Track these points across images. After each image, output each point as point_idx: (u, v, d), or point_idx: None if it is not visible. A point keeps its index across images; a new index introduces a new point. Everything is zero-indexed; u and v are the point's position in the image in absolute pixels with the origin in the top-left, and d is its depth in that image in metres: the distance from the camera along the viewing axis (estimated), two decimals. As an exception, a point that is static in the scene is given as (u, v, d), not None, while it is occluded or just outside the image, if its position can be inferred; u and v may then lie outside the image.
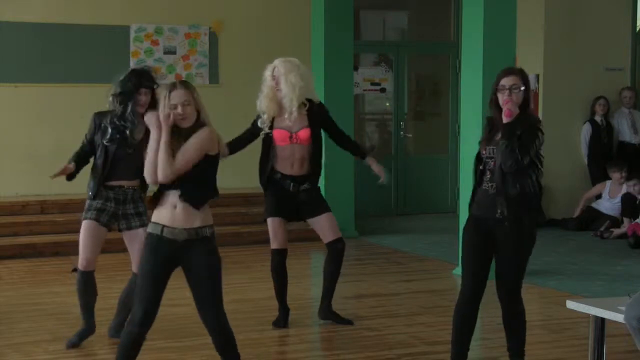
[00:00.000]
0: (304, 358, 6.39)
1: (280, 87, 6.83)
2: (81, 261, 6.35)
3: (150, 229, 5.01)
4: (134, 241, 6.40)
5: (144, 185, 6.36)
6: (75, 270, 6.47)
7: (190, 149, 4.90)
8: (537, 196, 5.43)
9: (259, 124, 6.94)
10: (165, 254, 4.95)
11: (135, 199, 6.41)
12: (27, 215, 10.96)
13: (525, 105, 5.37)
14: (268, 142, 6.93)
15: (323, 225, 6.99)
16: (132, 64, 11.99)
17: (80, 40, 11.88)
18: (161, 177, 4.90)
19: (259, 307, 7.18)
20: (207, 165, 4.97)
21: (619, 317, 4.77)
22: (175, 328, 6.88)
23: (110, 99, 6.33)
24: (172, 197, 4.95)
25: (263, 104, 6.91)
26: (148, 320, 4.98)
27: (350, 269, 9.23)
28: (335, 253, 7.01)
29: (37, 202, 11.05)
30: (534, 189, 5.39)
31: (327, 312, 7.14)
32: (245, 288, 8.22)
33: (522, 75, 5.40)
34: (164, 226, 4.94)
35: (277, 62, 6.91)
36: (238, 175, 11.95)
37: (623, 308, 4.71)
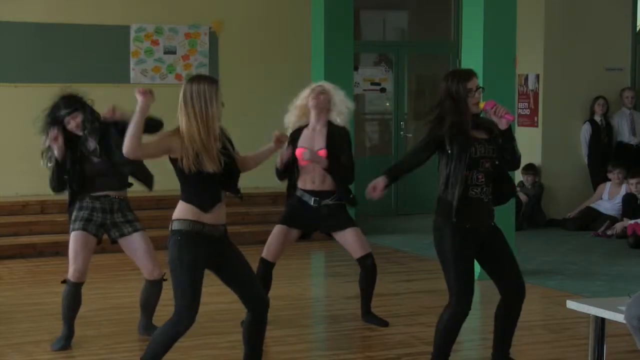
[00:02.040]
0: (304, 358, 6.39)
1: (331, 100, 6.93)
2: (73, 272, 6.28)
3: (186, 226, 4.98)
4: (133, 247, 6.38)
5: (147, 182, 6.42)
6: (64, 281, 6.37)
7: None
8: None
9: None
10: (205, 249, 5.02)
11: (122, 209, 6.40)
12: (27, 215, 10.96)
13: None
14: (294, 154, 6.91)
15: (349, 241, 6.97)
16: (132, 64, 12.01)
17: (80, 40, 11.87)
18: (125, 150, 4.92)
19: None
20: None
21: (619, 317, 4.77)
22: (176, 328, 6.86)
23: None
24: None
25: (293, 116, 6.95)
26: (194, 320, 5.04)
27: (350, 269, 9.22)
28: (366, 270, 7.01)
29: (37, 202, 11.05)
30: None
31: (366, 314, 7.17)
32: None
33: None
34: (204, 224, 4.99)
35: (322, 82, 7.15)
36: (238, 175, 11.96)
37: (623, 308, 4.71)
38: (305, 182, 6.91)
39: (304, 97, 6.97)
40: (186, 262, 4.96)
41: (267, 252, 6.95)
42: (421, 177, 13.31)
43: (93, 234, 6.32)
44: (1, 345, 6.53)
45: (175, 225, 5.00)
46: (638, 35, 13.03)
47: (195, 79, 5.01)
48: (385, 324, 7.11)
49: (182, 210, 5.02)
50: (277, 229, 6.95)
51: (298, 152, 6.85)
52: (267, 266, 6.94)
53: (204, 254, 5.01)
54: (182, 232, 4.97)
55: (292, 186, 6.96)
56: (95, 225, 6.31)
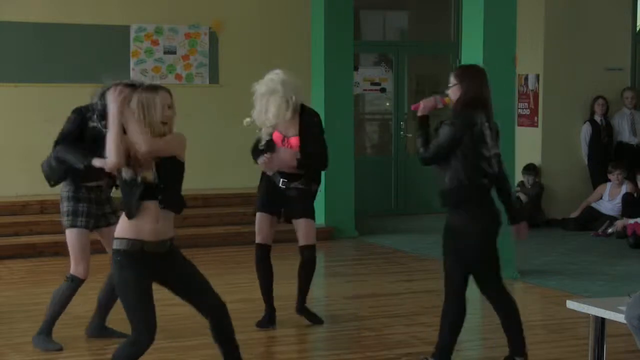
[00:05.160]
0: (304, 358, 6.39)
1: (269, 109, 6.84)
2: (83, 271, 6.30)
3: (124, 246, 4.85)
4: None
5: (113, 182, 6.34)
6: (69, 279, 6.38)
7: (168, 142, 4.88)
8: (462, 188, 5.55)
9: (262, 138, 6.95)
10: (149, 268, 4.89)
11: (110, 199, 6.44)
12: (27, 215, 10.96)
13: (459, 100, 5.62)
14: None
15: (299, 229, 7.03)
16: (132, 64, 12.01)
17: (80, 40, 11.88)
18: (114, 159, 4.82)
19: (260, 307, 7.16)
20: (180, 171, 4.95)
21: (619, 317, 4.77)
22: (175, 328, 6.88)
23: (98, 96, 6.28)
24: (154, 209, 4.86)
25: (261, 119, 6.89)
26: (153, 336, 4.93)
27: (350, 269, 9.23)
28: (303, 260, 7.07)
29: (37, 202, 11.05)
30: (457, 182, 5.54)
31: (300, 309, 7.16)
32: (247, 288, 8.22)
33: (457, 72, 5.68)
34: (143, 242, 4.85)
35: (260, 86, 6.89)
36: (238, 175, 11.97)
37: (623, 308, 4.71)
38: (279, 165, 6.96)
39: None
40: (134, 287, 4.85)
41: (259, 237, 7.03)
42: (421, 177, 13.37)
43: (93, 228, 6.35)
44: (1, 345, 6.54)
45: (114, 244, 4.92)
46: (638, 35, 13.03)
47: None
48: (319, 321, 7.12)
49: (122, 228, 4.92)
50: (259, 216, 7.03)
51: (276, 136, 6.89)
52: (263, 250, 7.02)
53: (147, 275, 4.88)
54: (122, 253, 4.87)
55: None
56: (93, 219, 6.34)
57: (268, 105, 6.81)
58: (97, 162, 6.15)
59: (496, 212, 5.66)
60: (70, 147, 6.24)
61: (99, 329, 6.61)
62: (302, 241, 7.03)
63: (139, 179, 4.84)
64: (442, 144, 5.56)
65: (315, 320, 7.13)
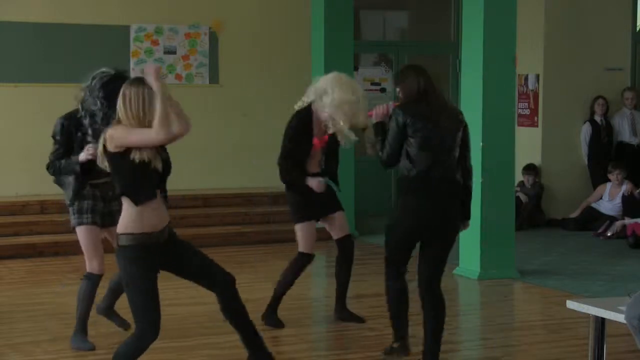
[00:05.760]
0: (304, 358, 6.39)
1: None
2: (96, 266, 6.32)
3: (130, 241, 4.86)
4: None
5: None
6: (87, 277, 6.41)
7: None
8: (402, 180, 5.72)
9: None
10: (155, 261, 4.92)
11: (117, 196, 6.42)
12: (27, 215, 10.96)
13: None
14: (308, 146, 6.90)
15: (336, 223, 7.06)
16: (132, 64, 12.01)
17: (80, 40, 11.87)
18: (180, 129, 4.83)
19: (261, 307, 7.17)
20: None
21: (619, 317, 4.76)
22: (175, 328, 6.88)
23: (87, 96, 6.34)
24: (154, 199, 4.90)
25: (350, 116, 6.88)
26: (158, 332, 4.94)
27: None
28: (345, 250, 7.10)
29: (37, 202, 11.05)
30: (400, 173, 5.73)
31: (341, 311, 7.18)
32: (247, 288, 8.20)
33: (396, 78, 5.90)
34: (147, 234, 4.87)
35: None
36: (238, 175, 11.98)
37: (623, 308, 4.71)
38: (313, 166, 6.95)
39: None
40: (140, 283, 4.87)
41: (308, 246, 6.97)
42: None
43: (99, 225, 6.36)
44: (1, 345, 6.54)
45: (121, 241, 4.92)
46: (638, 35, 13.03)
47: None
48: (361, 320, 7.14)
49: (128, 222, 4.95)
50: (308, 225, 6.94)
51: (317, 141, 6.90)
52: (308, 259, 7.03)
53: (154, 270, 4.93)
54: (130, 249, 4.88)
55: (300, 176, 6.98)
56: (99, 215, 6.34)
57: (358, 109, 6.86)
58: (82, 157, 6.19)
59: (417, 206, 5.67)
60: (59, 164, 6.37)
61: (105, 311, 6.67)
62: (340, 233, 7.07)
63: (152, 165, 4.85)
64: (390, 140, 5.72)
65: (359, 320, 7.14)
